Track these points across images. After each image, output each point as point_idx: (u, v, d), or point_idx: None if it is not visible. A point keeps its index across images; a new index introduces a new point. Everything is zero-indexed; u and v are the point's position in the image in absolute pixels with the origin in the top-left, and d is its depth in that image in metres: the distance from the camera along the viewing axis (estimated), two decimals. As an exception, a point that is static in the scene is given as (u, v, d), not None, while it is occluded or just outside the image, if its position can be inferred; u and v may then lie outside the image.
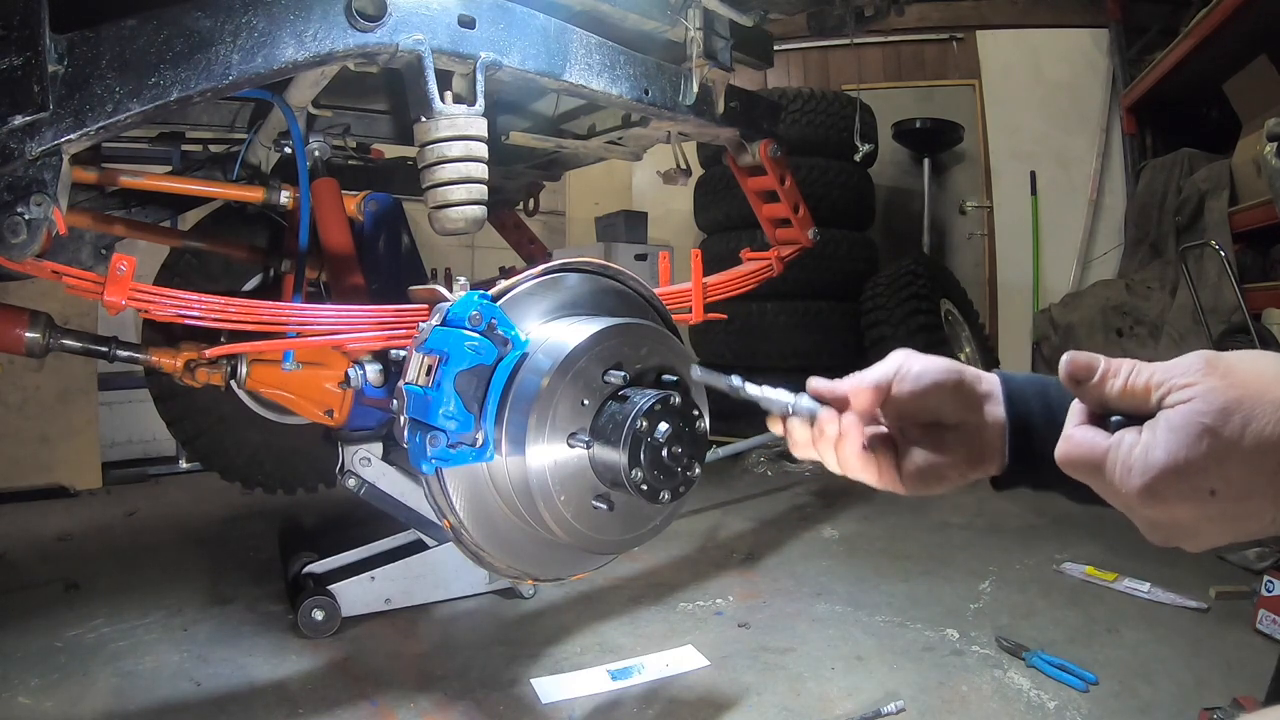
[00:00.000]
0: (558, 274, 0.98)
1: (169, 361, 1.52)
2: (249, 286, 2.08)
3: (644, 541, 0.97)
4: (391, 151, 2.18)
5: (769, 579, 1.88)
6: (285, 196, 1.68)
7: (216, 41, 1.00)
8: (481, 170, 1.21)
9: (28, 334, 1.36)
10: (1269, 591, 1.51)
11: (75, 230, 1.62)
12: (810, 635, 1.55)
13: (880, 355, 0.64)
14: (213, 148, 1.90)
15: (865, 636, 1.54)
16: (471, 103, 1.19)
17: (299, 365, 1.51)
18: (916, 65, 4.46)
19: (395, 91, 1.81)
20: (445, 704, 1.31)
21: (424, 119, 1.17)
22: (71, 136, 0.93)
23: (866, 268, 3.37)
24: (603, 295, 1.02)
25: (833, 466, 0.63)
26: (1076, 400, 0.48)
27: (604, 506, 0.88)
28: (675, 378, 0.91)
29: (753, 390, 0.65)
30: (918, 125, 4.00)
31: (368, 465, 1.58)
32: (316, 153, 1.65)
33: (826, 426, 0.62)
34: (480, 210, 1.22)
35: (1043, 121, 4.25)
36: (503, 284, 0.94)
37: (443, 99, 1.16)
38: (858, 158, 2.43)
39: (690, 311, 1.72)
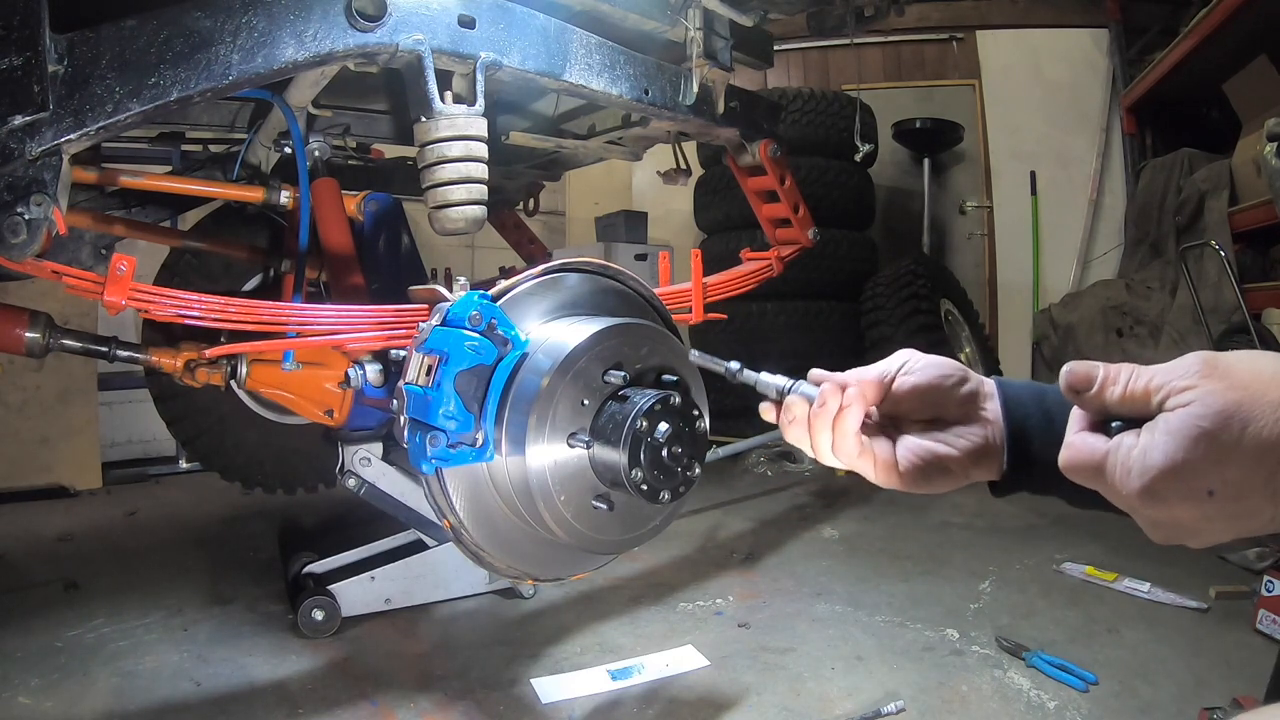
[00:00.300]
0: (558, 274, 0.98)
1: (169, 361, 1.52)
2: (249, 286, 2.08)
3: (644, 541, 0.97)
4: (391, 151, 2.18)
5: (769, 579, 1.88)
6: (285, 196, 1.68)
7: (216, 41, 1.00)
8: (481, 170, 1.21)
9: (28, 334, 1.36)
10: (1269, 591, 1.51)
11: (75, 230, 1.62)
12: (810, 635, 1.55)
13: (881, 355, 0.63)
14: (213, 148, 1.90)
15: (865, 636, 1.54)
16: (471, 103, 1.19)
17: (299, 365, 1.51)
18: (916, 65, 4.46)
19: (395, 91, 1.81)
20: (445, 704, 1.31)
21: (424, 119, 1.17)
22: (71, 136, 0.93)
23: (866, 268, 3.37)
24: (603, 295, 1.02)
25: (826, 453, 0.61)
26: (1076, 407, 0.48)
27: (604, 506, 0.88)
28: (675, 378, 0.91)
29: (749, 375, 0.64)
30: (918, 125, 4.00)
31: (368, 465, 1.58)
32: (316, 153, 1.65)
33: (829, 399, 0.59)
34: (480, 210, 1.22)
35: (1043, 121, 4.25)
36: (503, 284, 0.94)
37: (443, 99, 1.16)
38: (858, 158, 2.43)
39: (690, 311, 1.72)
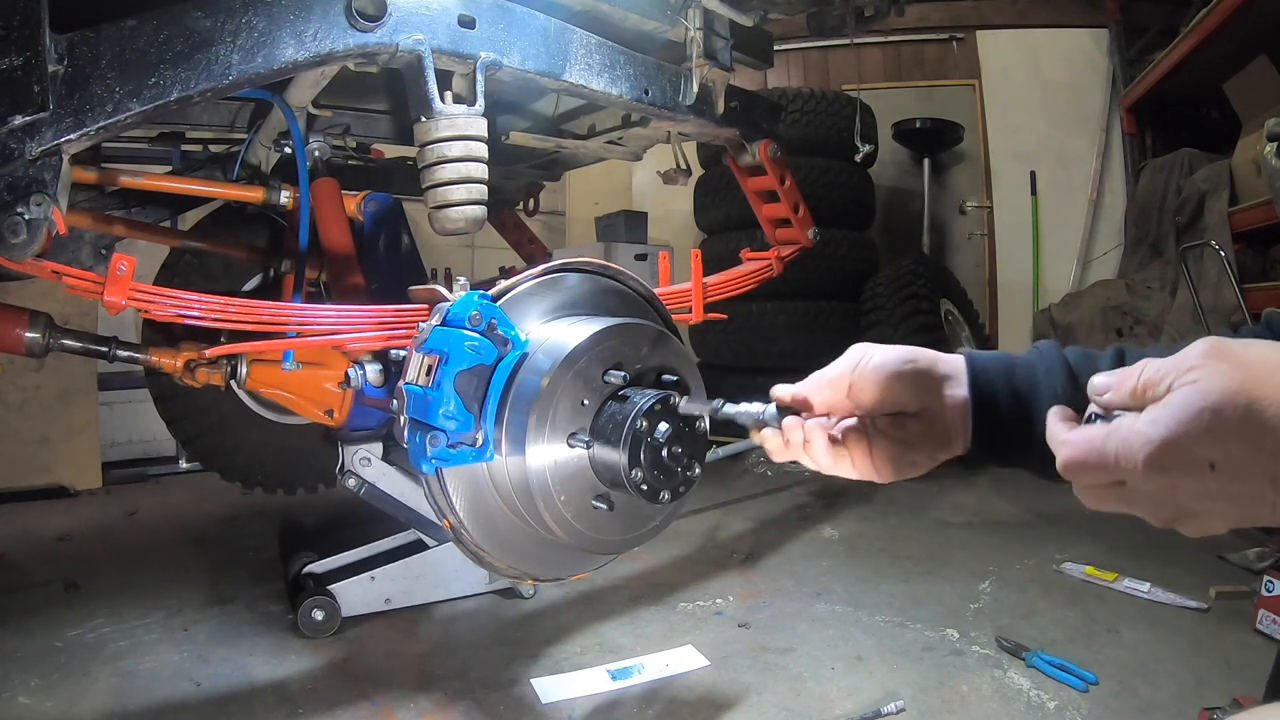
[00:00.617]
0: (558, 274, 0.98)
1: (169, 361, 1.52)
2: (249, 286, 2.08)
3: (644, 541, 0.97)
4: (391, 151, 2.18)
5: (769, 579, 1.88)
6: (285, 196, 1.68)
7: (216, 41, 1.00)
8: (481, 170, 1.21)
9: (28, 334, 1.36)
10: (1269, 591, 1.51)
11: (75, 230, 1.62)
12: (810, 635, 1.55)
13: (880, 355, 0.64)
14: (213, 148, 1.90)
15: (865, 636, 1.54)
16: (471, 103, 1.19)
17: (299, 365, 1.51)
18: (916, 65, 4.46)
19: (395, 91, 1.81)
20: (445, 704, 1.31)
21: (424, 119, 1.17)
22: (71, 136, 0.93)
23: (866, 268, 3.37)
24: (603, 295, 1.02)
25: (811, 466, 0.66)
26: (1051, 414, 0.49)
27: (604, 506, 0.88)
28: (675, 378, 0.91)
29: (729, 409, 0.71)
30: (918, 125, 4.00)
31: (368, 465, 1.58)
32: (316, 153, 1.65)
33: (790, 434, 0.65)
34: (480, 210, 1.22)
35: (1043, 121, 4.25)
36: (503, 284, 0.94)
37: (443, 99, 1.16)
38: (858, 158, 2.43)
39: (690, 311, 1.72)
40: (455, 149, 1.17)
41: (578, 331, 0.88)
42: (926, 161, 4.14)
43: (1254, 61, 2.98)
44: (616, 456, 0.82)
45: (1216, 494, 0.41)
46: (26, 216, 0.93)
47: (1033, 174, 4.21)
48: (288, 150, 1.66)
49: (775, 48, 1.93)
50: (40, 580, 1.85)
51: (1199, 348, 0.42)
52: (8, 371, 2.59)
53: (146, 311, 1.14)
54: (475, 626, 1.62)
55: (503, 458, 0.88)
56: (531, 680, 1.38)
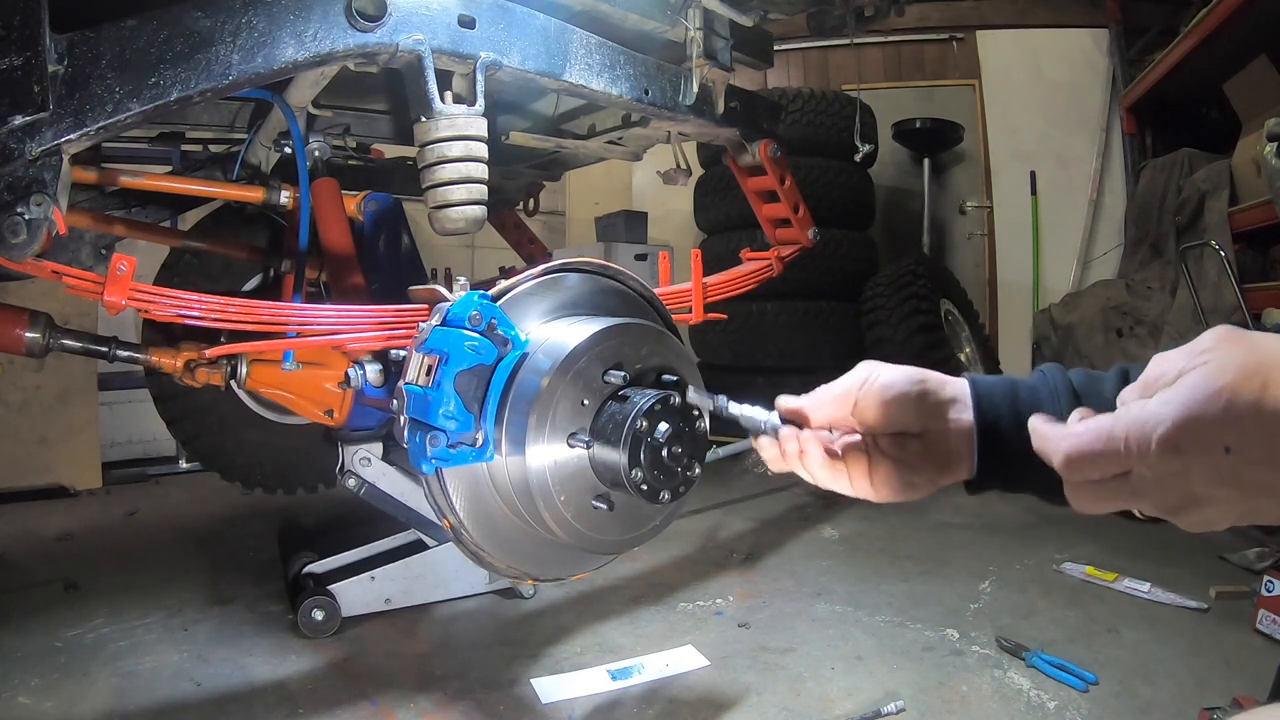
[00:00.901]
0: (558, 274, 0.98)
1: (169, 361, 1.52)
2: (249, 286, 2.08)
3: (644, 541, 0.97)
4: (391, 151, 2.18)
5: (769, 579, 1.88)
6: (285, 196, 1.68)
7: (216, 41, 1.00)
8: (481, 170, 1.21)
9: (28, 334, 1.36)
10: (1269, 591, 1.51)
11: (75, 230, 1.62)
12: (810, 635, 1.55)
13: (880, 355, 0.65)
14: (213, 148, 1.90)
15: (865, 636, 1.54)
16: (471, 103, 1.19)
17: (299, 365, 1.51)
18: (916, 65, 4.46)
19: (395, 91, 1.81)
20: (445, 704, 1.31)
21: (424, 119, 1.17)
22: (71, 136, 0.93)
23: (866, 268, 3.37)
24: (603, 295, 1.02)
25: (808, 479, 0.66)
26: (1074, 415, 0.48)
27: (604, 506, 0.88)
28: (675, 378, 0.91)
29: (735, 409, 0.71)
30: (918, 125, 4.00)
31: (368, 465, 1.58)
32: (316, 153, 1.65)
33: (786, 445, 0.65)
34: (480, 210, 1.22)
35: (1043, 121, 4.25)
36: (503, 284, 0.94)
37: (443, 99, 1.16)
38: (858, 158, 2.43)
39: (690, 311, 1.72)
40: (455, 149, 1.17)
41: (578, 331, 0.88)
42: (926, 161, 4.14)
43: (1254, 61, 2.98)
44: (616, 456, 0.82)
45: (1229, 480, 0.40)
46: (26, 216, 0.93)
47: (1033, 174, 4.21)
48: (288, 150, 1.66)
49: (775, 48, 1.93)
50: (40, 580, 1.85)
51: (1212, 333, 0.42)
52: (8, 371, 2.59)
53: (146, 311, 1.14)
54: (475, 626, 1.62)
55: (503, 458, 0.88)
56: (531, 680, 1.38)
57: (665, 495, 0.84)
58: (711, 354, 3.47)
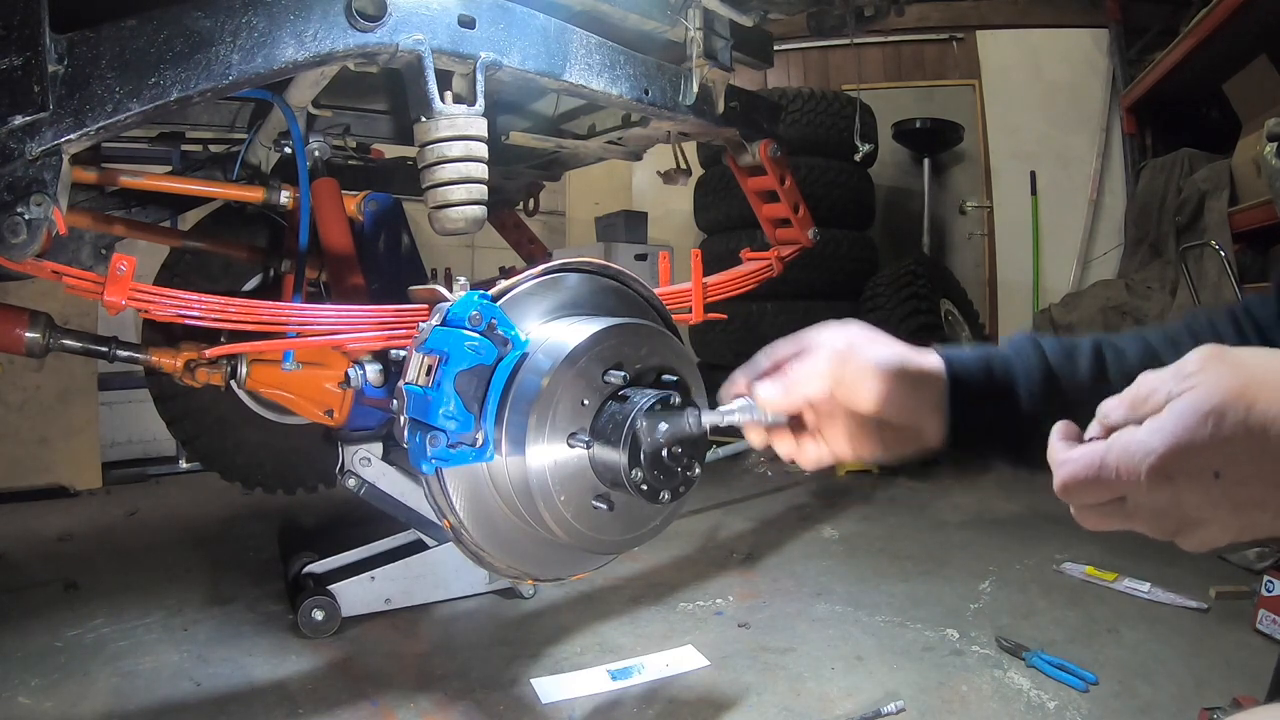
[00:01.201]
0: (558, 274, 0.98)
1: (169, 361, 1.52)
2: (249, 286, 2.08)
3: (644, 541, 0.97)
4: (391, 151, 2.18)
5: (769, 579, 1.88)
6: (285, 196, 1.68)
7: (216, 41, 1.00)
8: (481, 170, 1.21)
9: (28, 334, 1.36)
10: (1269, 591, 1.51)
11: (75, 230, 1.62)
12: (810, 635, 1.55)
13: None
14: (213, 148, 1.90)
15: (865, 636, 1.54)
16: (471, 103, 1.19)
17: (299, 365, 1.51)
18: (916, 65, 4.46)
19: (395, 91, 1.81)
20: (445, 704, 1.31)
21: (424, 119, 1.17)
22: (71, 136, 0.93)
23: (866, 268, 3.37)
24: (603, 295, 1.01)
25: (783, 453, 0.70)
26: (1055, 430, 0.48)
27: (604, 506, 0.88)
28: (675, 377, 0.90)
29: (725, 419, 0.72)
30: (918, 125, 4.00)
31: (368, 465, 1.58)
32: (316, 153, 1.65)
33: (778, 442, 0.70)
34: (480, 210, 1.22)
35: (1043, 121, 4.25)
36: (503, 284, 0.94)
37: (443, 99, 1.16)
38: (858, 158, 2.43)
39: (690, 311, 1.72)
40: (455, 149, 1.17)
41: (578, 331, 0.88)
42: (926, 161, 4.14)
43: (1254, 61, 2.98)
44: (616, 456, 0.82)
45: (1221, 502, 0.40)
46: (26, 216, 0.93)
47: (1033, 174, 4.21)
48: (288, 150, 1.66)
49: (775, 48, 1.93)
50: (40, 580, 1.85)
51: (1196, 355, 0.42)
52: (8, 371, 2.59)
53: (146, 311, 1.14)
54: (475, 626, 1.62)
55: (503, 458, 0.88)
56: (531, 680, 1.38)
57: (665, 495, 0.84)
58: (712, 354, 3.47)
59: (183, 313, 1.14)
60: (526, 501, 0.88)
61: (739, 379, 0.71)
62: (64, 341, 1.39)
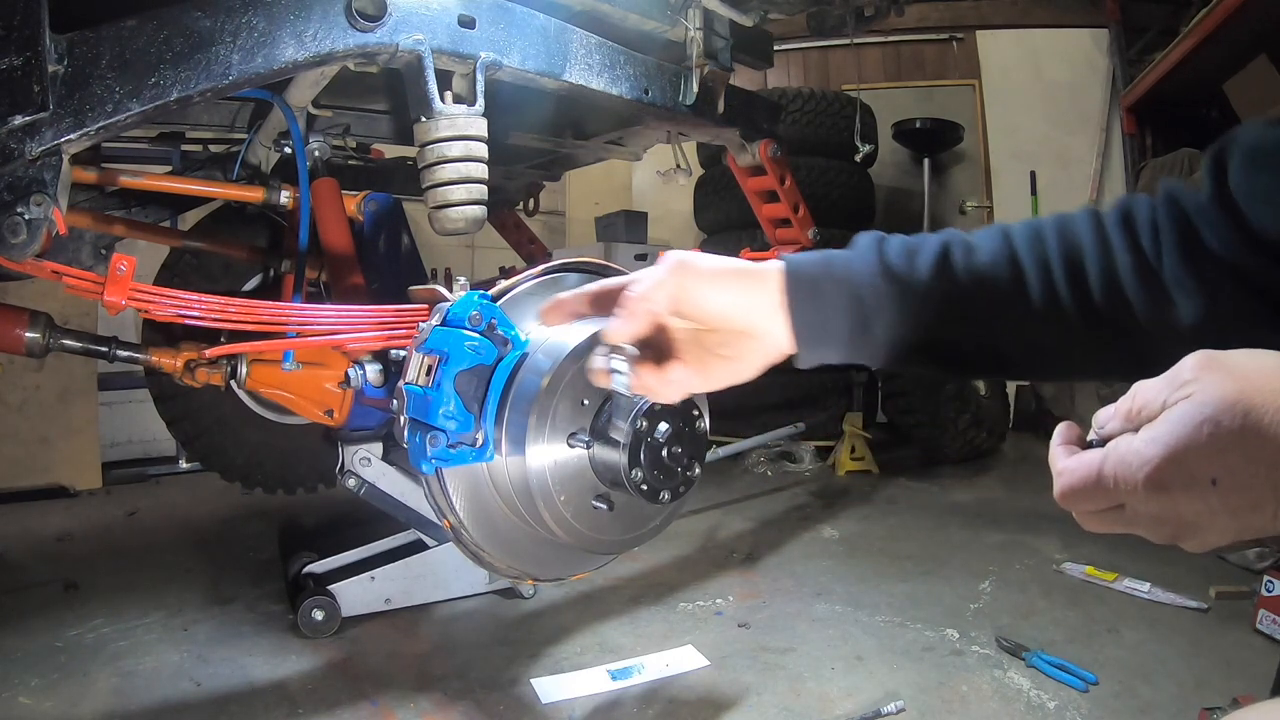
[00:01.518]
0: (558, 274, 0.98)
1: (169, 361, 1.52)
2: (249, 286, 2.08)
3: (644, 541, 0.97)
4: (391, 151, 2.18)
5: (769, 579, 1.88)
6: (285, 196, 1.68)
7: (216, 41, 1.00)
8: (481, 170, 1.21)
9: (28, 334, 1.35)
10: (1269, 591, 1.51)
11: (75, 230, 1.62)
12: (810, 635, 1.55)
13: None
14: (213, 148, 1.90)
15: (865, 636, 1.54)
16: (471, 103, 1.19)
17: (299, 365, 1.51)
18: (916, 65, 4.46)
19: (395, 91, 1.81)
20: (445, 704, 1.31)
21: (424, 119, 1.17)
22: (71, 136, 0.93)
23: (866, 268, 3.36)
24: (603, 295, 1.02)
25: (636, 388, 0.65)
26: (1056, 433, 0.48)
27: (604, 506, 0.88)
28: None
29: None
30: (918, 125, 4.00)
31: (368, 465, 1.58)
32: (316, 153, 1.65)
33: (641, 377, 0.64)
34: (480, 210, 1.22)
35: (1043, 121, 4.25)
36: (503, 284, 0.94)
37: (443, 99, 1.16)
38: (858, 158, 2.44)
39: (690, 311, 1.72)
40: (455, 149, 1.18)
41: (578, 331, 0.88)
42: (926, 161, 4.14)
43: (1254, 61, 2.98)
44: (616, 456, 0.82)
45: (1218, 508, 0.40)
46: (26, 216, 0.93)
47: (1033, 174, 4.21)
48: (288, 150, 1.67)
49: (775, 48, 1.94)
50: (40, 580, 1.85)
51: (1191, 361, 0.42)
52: (8, 371, 2.59)
53: (146, 311, 1.14)
54: (475, 626, 1.62)
55: (503, 458, 0.88)
56: (531, 680, 1.38)
57: (665, 495, 0.84)
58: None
59: (183, 313, 1.14)
60: (526, 501, 0.88)
61: (562, 299, 0.69)
62: (64, 341, 1.39)
